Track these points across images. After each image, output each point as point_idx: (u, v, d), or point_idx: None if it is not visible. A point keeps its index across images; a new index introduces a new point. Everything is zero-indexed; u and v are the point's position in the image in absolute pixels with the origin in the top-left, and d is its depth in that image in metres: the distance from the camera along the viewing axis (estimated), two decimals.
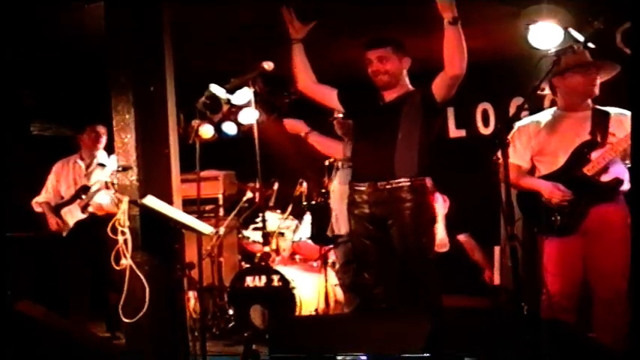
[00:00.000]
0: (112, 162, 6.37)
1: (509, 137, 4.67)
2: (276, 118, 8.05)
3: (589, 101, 4.59)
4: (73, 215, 6.67)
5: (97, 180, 6.26)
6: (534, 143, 4.64)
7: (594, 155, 4.45)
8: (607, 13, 5.30)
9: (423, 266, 4.69)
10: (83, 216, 6.57)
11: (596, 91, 4.55)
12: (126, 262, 4.58)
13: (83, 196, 6.43)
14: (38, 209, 6.85)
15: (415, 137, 4.68)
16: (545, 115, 4.71)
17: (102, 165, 6.61)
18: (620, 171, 4.48)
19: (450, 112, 7.96)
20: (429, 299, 4.66)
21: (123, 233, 4.58)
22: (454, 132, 7.92)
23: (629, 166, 4.49)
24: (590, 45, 5.07)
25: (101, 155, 6.80)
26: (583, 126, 4.52)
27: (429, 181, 4.72)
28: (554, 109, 4.71)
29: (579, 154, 4.48)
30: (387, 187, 4.66)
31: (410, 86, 4.88)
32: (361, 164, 4.82)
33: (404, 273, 4.68)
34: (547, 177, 4.60)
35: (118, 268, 4.62)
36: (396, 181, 4.65)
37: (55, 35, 5.85)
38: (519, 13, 5.66)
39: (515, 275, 3.88)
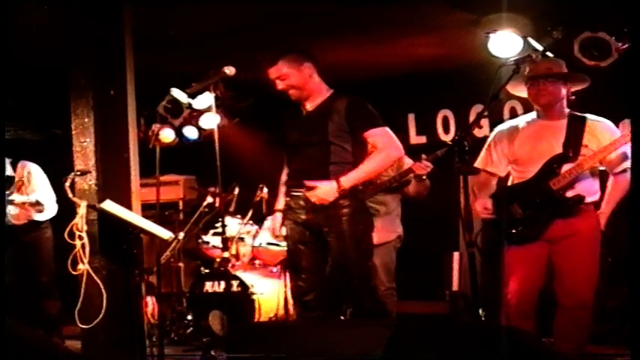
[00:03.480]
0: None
1: (488, 142, 4.74)
2: (237, 123, 8.07)
3: (565, 108, 4.59)
4: None
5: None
6: (509, 152, 4.65)
7: (564, 169, 4.47)
8: (566, 23, 5.38)
9: (360, 273, 4.65)
10: None
11: (545, 100, 4.55)
12: (83, 267, 4.53)
13: None
14: None
15: (347, 142, 4.65)
16: (522, 121, 4.68)
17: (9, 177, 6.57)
18: (587, 187, 4.48)
19: (411, 119, 8.01)
20: (365, 306, 4.66)
21: (80, 238, 4.54)
22: (415, 138, 7.96)
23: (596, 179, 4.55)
24: (549, 54, 5.14)
25: None
26: (557, 137, 4.51)
27: None
28: (533, 114, 4.69)
29: (549, 167, 4.49)
30: None
31: (327, 91, 4.78)
32: (297, 174, 4.77)
33: (340, 280, 4.65)
34: (516, 186, 4.62)
35: (75, 273, 4.57)
36: None
37: (14, 37, 5.78)
38: (480, 21, 5.71)
39: (473, 282, 3.91)
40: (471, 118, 7.34)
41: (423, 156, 5.45)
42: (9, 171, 6.64)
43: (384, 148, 4.63)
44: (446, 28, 6.19)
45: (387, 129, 4.68)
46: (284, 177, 4.93)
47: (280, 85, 4.67)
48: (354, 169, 4.60)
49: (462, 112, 7.55)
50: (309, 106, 4.73)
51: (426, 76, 7.31)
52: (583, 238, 4.45)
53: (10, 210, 6.45)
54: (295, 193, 4.74)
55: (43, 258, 6.65)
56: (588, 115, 4.56)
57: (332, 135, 4.63)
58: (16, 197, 6.34)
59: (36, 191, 6.46)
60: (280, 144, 4.90)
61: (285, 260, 6.34)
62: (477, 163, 4.75)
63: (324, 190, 4.53)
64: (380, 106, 6.04)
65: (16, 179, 6.40)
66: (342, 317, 5.00)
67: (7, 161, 6.69)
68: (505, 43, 5.57)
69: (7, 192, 6.34)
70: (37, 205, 6.45)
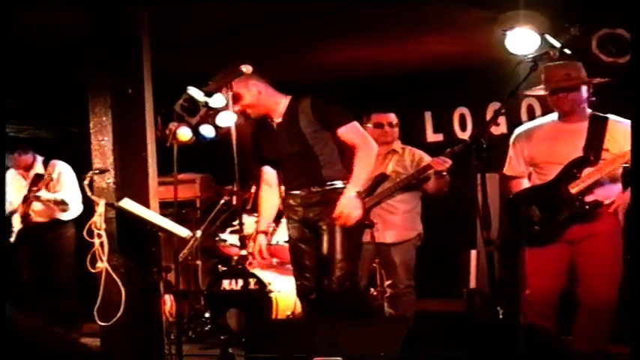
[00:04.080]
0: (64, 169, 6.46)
1: (510, 142, 4.73)
2: (254, 121, 8.06)
3: (586, 110, 4.56)
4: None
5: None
6: (527, 154, 4.63)
7: (585, 173, 4.43)
8: (583, 20, 5.35)
9: (345, 269, 4.61)
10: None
11: (568, 108, 4.53)
12: (102, 265, 4.55)
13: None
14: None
15: (325, 137, 4.66)
16: (542, 122, 4.67)
17: (38, 175, 6.63)
18: (607, 191, 4.45)
19: (428, 117, 8.00)
20: (352, 306, 4.63)
21: (99, 236, 4.56)
22: (432, 136, 7.95)
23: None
24: (567, 51, 5.11)
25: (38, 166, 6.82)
26: (577, 139, 4.48)
27: None
28: (555, 115, 4.65)
29: (569, 170, 4.46)
30: (319, 190, 4.66)
31: (284, 98, 4.78)
32: (293, 183, 4.79)
33: (324, 274, 4.64)
34: (536, 188, 4.60)
35: (93, 271, 4.59)
36: (328, 184, 4.65)
37: (33, 37, 5.81)
38: (497, 18, 5.69)
39: (491, 280, 3.90)
40: (488, 115, 7.31)
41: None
42: (39, 169, 6.70)
43: (363, 147, 4.63)
44: (463, 26, 6.17)
45: (356, 123, 4.70)
46: (265, 194, 4.97)
47: (237, 106, 4.70)
48: (339, 163, 4.65)
49: (478, 109, 7.53)
50: (276, 118, 4.76)
51: (442, 73, 7.28)
52: (604, 239, 4.43)
53: (34, 206, 6.50)
54: (293, 192, 4.76)
55: (64, 257, 6.70)
56: (610, 116, 4.52)
57: (310, 138, 4.66)
58: (42, 193, 6.39)
59: (63, 190, 6.51)
60: (257, 159, 4.93)
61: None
62: (504, 170, 4.78)
63: (347, 206, 4.53)
64: (397, 104, 6.06)
65: (45, 176, 6.45)
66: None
67: (39, 159, 6.76)
68: (522, 40, 5.55)
69: (35, 188, 6.39)
70: (62, 204, 6.51)
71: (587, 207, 4.41)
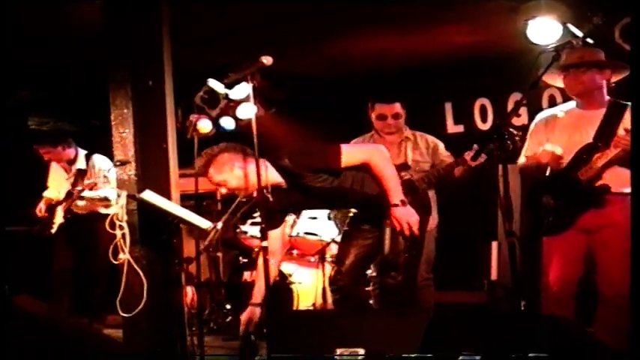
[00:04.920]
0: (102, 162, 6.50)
1: (529, 132, 4.71)
2: (274, 113, 8.07)
3: (604, 97, 4.53)
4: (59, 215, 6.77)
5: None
6: (545, 141, 4.61)
7: (595, 158, 4.42)
8: (606, 9, 5.30)
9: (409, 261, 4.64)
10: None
11: (579, 90, 4.50)
12: (124, 256, 4.57)
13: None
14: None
15: (322, 176, 4.55)
16: (561, 111, 4.67)
17: (81, 171, 6.68)
18: (617, 176, 4.41)
19: (448, 108, 7.96)
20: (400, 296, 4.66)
21: (121, 228, 4.58)
22: (452, 127, 7.91)
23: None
24: (589, 40, 5.07)
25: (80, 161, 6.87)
26: (592, 126, 4.48)
27: None
28: (572, 103, 4.65)
29: (580, 157, 4.45)
30: None
31: (266, 166, 4.57)
32: None
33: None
34: (550, 176, 4.59)
35: (115, 262, 4.61)
36: None
37: (53, 30, 5.84)
38: (518, 8, 5.65)
39: (513, 271, 3.88)
40: (509, 106, 7.27)
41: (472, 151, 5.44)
42: (82, 163, 6.74)
43: (370, 158, 4.50)
44: (484, 16, 6.14)
45: (344, 147, 4.53)
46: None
47: (224, 190, 4.66)
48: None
49: (499, 100, 7.49)
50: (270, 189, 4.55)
51: (463, 64, 7.24)
52: (621, 228, 4.38)
53: (77, 202, 6.54)
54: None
55: (100, 249, 6.73)
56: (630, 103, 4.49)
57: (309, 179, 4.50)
58: (86, 193, 6.44)
59: (105, 187, 6.54)
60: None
61: (323, 249, 6.35)
62: (523, 152, 4.74)
63: (401, 219, 4.44)
64: (416, 95, 6.03)
65: (88, 178, 6.51)
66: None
67: (82, 153, 6.80)
68: (544, 29, 5.51)
69: (79, 188, 6.44)
70: (106, 200, 6.55)
71: (596, 192, 4.39)
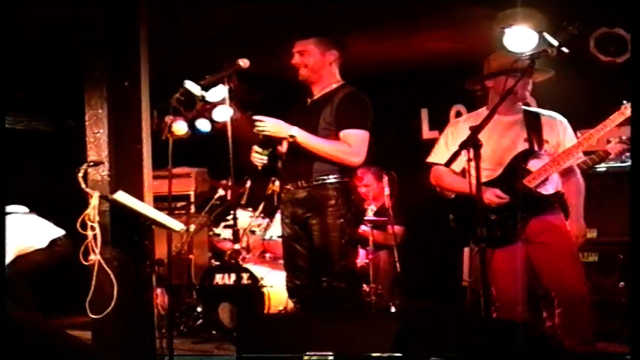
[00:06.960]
0: None
1: (443, 137, 4.66)
2: (250, 116, 8.06)
3: (519, 104, 4.54)
4: None
5: None
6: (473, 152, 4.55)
7: (532, 164, 4.38)
8: (582, 19, 5.35)
9: (337, 268, 4.60)
10: None
11: (528, 95, 4.52)
12: (94, 257, 4.53)
13: None
14: None
15: (333, 137, 4.61)
16: (476, 118, 4.49)
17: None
18: (553, 181, 4.42)
19: (424, 114, 7.99)
20: (345, 305, 4.62)
21: (92, 228, 4.54)
22: (427, 133, 7.93)
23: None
24: (564, 49, 5.11)
25: None
26: (517, 132, 4.45)
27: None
28: (483, 110, 4.61)
29: (516, 164, 4.39)
30: (306, 185, 4.63)
31: (337, 82, 4.75)
32: (286, 166, 4.77)
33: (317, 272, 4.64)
34: (485, 185, 4.49)
35: (86, 263, 4.58)
36: (316, 179, 4.61)
37: (30, 30, 5.80)
38: (495, 16, 5.68)
39: (484, 278, 3.87)
40: None
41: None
42: None
43: (350, 151, 4.57)
44: (461, 23, 6.17)
45: (365, 134, 4.60)
46: None
47: (296, 59, 4.69)
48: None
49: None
50: (316, 93, 4.73)
51: (439, 70, 7.27)
52: (559, 233, 4.40)
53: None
54: (286, 186, 4.75)
55: None
56: (540, 110, 4.54)
57: (321, 128, 4.62)
58: None
59: None
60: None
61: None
62: (433, 159, 4.66)
63: (275, 124, 4.57)
64: (393, 101, 6.04)
65: None
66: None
67: None
68: (520, 37, 5.54)
69: None
70: None
71: (551, 199, 4.38)
